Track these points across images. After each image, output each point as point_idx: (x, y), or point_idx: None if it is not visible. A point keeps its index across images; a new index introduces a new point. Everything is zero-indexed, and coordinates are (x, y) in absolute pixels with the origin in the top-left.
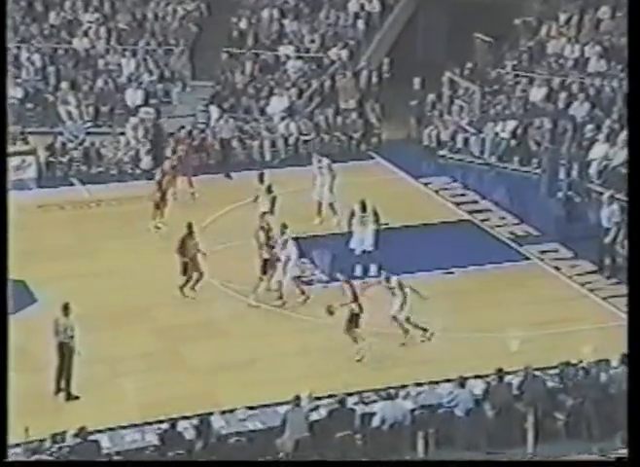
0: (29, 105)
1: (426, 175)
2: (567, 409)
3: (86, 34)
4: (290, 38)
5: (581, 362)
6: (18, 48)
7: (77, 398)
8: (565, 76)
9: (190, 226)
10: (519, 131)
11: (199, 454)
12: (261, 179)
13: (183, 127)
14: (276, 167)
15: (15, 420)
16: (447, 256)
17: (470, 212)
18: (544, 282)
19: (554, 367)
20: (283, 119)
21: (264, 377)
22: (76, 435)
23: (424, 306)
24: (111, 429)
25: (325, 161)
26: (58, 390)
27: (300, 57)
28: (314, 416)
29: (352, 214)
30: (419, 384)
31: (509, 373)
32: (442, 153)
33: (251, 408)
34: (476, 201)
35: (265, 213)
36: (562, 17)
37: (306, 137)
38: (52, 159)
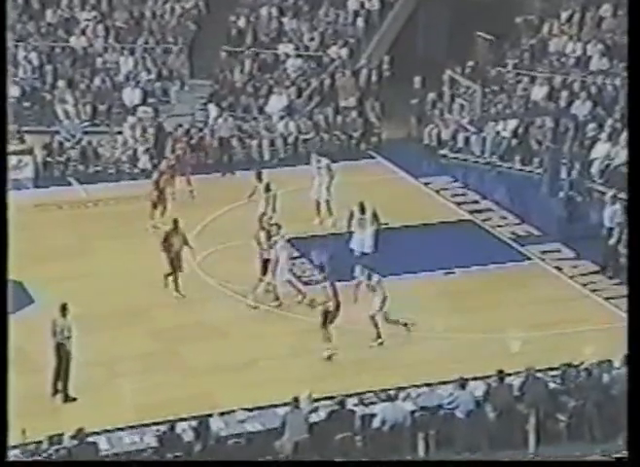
0: (26, 104)
1: (427, 175)
2: (569, 410)
3: (83, 32)
4: (289, 36)
5: (583, 363)
6: (16, 46)
7: (74, 400)
8: (567, 74)
9: (175, 221)
10: (521, 130)
11: (198, 456)
12: (259, 177)
13: (181, 126)
14: (275, 167)
15: (12, 422)
16: (448, 256)
17: (471, 212)
18: (545, 282)
19: (556, 368)
20: (282, 118)
21: (263, 379)
22: (73, 437)
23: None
24: (109, 431)
25: (324, 161)
26: (56, 392)
27: (299, 56)
28: (314, 418)
29: (351, 215)
30: (419, 386)
31: (510, 374)
32: (442, 152)
33: (250, 409)
34: (477, 201)
35: (264, 213)
36: (564, 15)
37: (306, 136)
38: (49, 158)
